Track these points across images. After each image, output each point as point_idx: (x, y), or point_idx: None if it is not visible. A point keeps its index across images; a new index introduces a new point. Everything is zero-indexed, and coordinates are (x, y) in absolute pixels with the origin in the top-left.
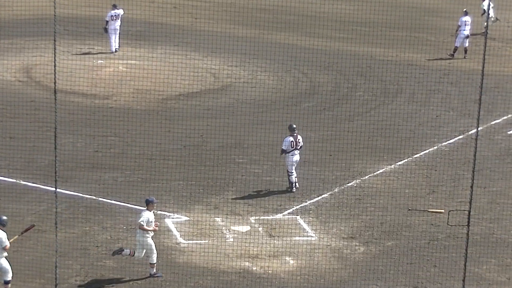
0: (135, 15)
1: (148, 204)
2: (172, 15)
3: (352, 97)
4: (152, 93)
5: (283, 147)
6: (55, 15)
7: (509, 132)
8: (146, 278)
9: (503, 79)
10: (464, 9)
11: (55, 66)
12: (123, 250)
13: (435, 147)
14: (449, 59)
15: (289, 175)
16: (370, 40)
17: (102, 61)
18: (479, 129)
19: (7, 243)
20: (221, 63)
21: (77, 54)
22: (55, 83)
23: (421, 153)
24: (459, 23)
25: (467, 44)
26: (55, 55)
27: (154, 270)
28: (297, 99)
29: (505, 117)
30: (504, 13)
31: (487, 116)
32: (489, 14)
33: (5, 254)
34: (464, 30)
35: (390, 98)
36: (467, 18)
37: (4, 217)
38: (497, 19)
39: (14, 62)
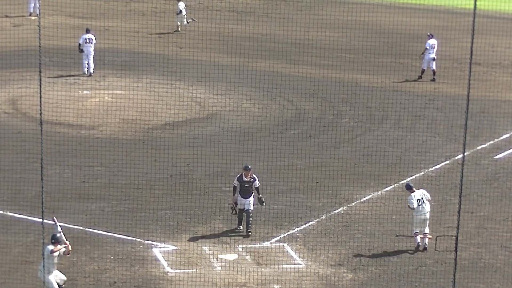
0: (120, 45)
1: (410, 188)
2: (157, 44)
3: (338, 124)
4: (138, 122)
5: (259, 184)
6: (40, 47)
7: (495, 157)
8: None
9: (489, 103)
10: (429, 33)
11: (40, 97)
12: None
13: (422, 173)
14: (410, 76)
15: (251, 213)
16: (355, 66)
17: (88, 92)
18: (465, 154)
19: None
20: (206, 91)
21: (62, 85)
22: (41, 114)
23: (408, 179)
24: (426, 46)
25: (434, 67)
26: (40, 86)
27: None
28: (283, 127)
29: (491, 142)
30: (489, 38)
31: (473, 141)
32: (183, 13)
33: (55, 271)
34: (431, 53)
35: (376, 125)
36: (433, 41)
37: (58, 234)
38: (193, 20)
39: (0, 94)
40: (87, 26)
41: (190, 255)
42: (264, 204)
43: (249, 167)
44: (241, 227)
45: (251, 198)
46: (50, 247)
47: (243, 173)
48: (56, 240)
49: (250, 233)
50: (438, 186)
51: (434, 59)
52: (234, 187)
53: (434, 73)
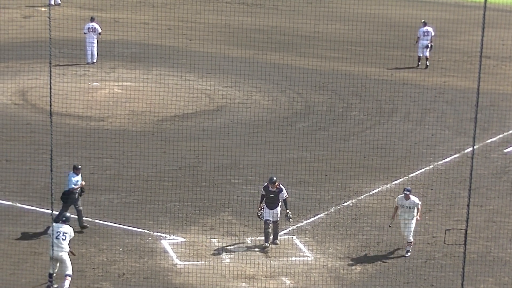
0: (129, 37)
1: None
2: (167, 36)
3: (347, 117)
4: (147, 114)
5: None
6: (50, 38)
7: (505, 150)
8: None
9: (498, 97)
10: (423, 20)
11: (50, 88)
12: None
13: (431, 166)
14: (420, 70)
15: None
16: (364, 59)
17: (97, 83)
18: (475, 147)
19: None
20: (216, 84)
21: (72, 76)
22: (50, 105)
23: (417, 172)
24: (418, 34)
25: (427, 54)
26: (50, 78)
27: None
28: (292, 119)
29: (500, 135)
30: (499, 32)
31: (482, 135)
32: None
33: (67, 249)
34: (424, 40)
35: (385, 118)
36: (426, 29)
37: (68, 214)
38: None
39: (9, 85)
40: (92, 15)
41: (198, 247)
42: (291, 220)
43: (274, 179)
44: (267, 244)
45: (278, 209)
46: (70, 228)
47: (269, 184)
48: (68, 220)
49: (277, 243)
50: (447, 179)
51: (427, 46)
52: (262, 196)
53: (426, 59)
